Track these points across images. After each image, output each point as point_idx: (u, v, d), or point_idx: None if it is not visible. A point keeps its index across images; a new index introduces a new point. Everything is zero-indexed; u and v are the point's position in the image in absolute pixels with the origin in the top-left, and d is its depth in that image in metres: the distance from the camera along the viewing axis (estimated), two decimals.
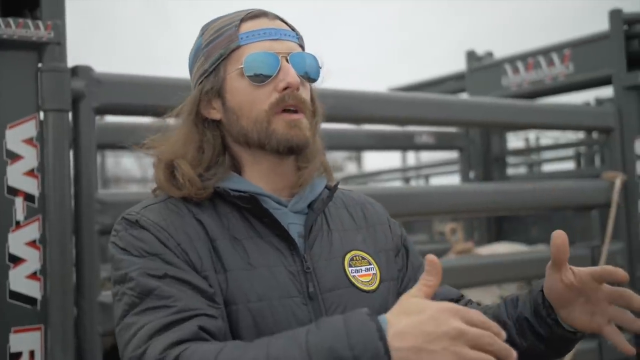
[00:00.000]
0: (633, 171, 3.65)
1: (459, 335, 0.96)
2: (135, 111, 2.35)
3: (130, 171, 13.15)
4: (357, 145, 4.64)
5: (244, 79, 1.31)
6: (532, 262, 3.34)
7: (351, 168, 9.43)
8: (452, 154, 5.95)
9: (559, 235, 1.17)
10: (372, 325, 1.00)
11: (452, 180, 7.39)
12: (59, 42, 2.10)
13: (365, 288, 1.32)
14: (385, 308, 1.33)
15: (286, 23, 1.38)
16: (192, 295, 1.17)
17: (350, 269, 1.34)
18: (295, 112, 1.31)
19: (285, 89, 1.29)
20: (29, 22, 2.06)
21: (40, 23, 2.07)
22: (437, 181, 7.99)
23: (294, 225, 1.33)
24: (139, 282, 1.18)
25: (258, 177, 1.35)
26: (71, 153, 2.16)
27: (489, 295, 3.42)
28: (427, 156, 8.07)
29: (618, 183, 3.54)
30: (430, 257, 1.02)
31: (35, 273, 2.07)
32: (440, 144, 4.74)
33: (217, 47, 1.34)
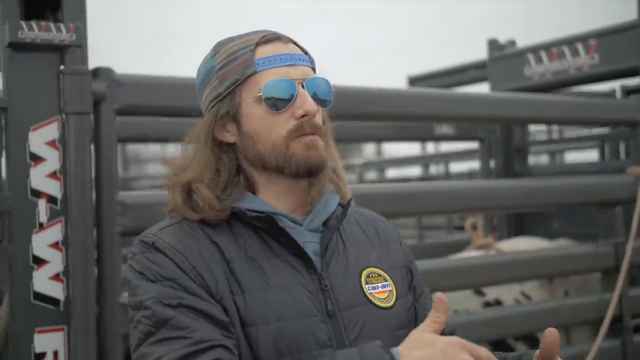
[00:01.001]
0: None
1: None
2: (157, 112, 2.36)
3: (152, 150, 13.23)
4: (376, 137, 4.61)
5: (260, 105, 1.32)
6: (553, 260, 3.32)
7: (370, 153, 9.41)
8: (473, 144, 5.90)
9: (551, 334, 1.17)
10: (386, 357, 1.06)
11: (472, 165, 7.34)
12: (81, 45, 2.10)
13: (383, 305, 1.34)
14: (401, 325, 1.36)
15: (298, 46, 1.39)
16: (207, 326, 1.18)
17: (367, 286, 1.35)
18: (312, 133, 1.32)
19: (303, 116, 1.30)
20: (51, 25, 2.06)
21: (62, 26, 2.08)
22: (457, 167, 7.94)
23: (310, 244, 1.34)
24: (154, 311, 1.19)
25: (273, 196, 1.36)
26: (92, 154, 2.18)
27: (509, 292, 3.40)
28: (447, 144, 8.01)
29: None
30: (439, 295, 1.10)
31: (58, 274, 2.09)
32: (461, 134, 4.70)
33: (232, 71, 1.34)
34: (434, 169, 8.11)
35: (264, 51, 1.33)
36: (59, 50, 2.10)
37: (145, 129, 3.30)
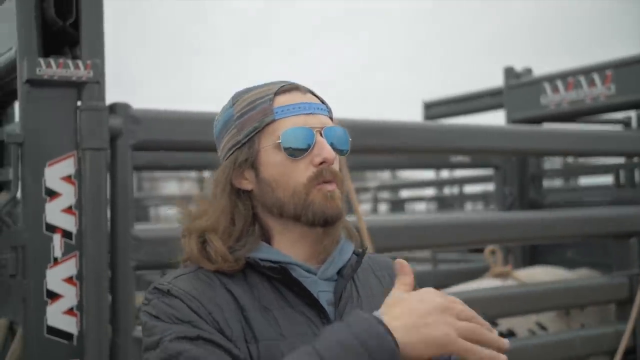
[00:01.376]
0: None
1: (446, 309, 1.09)
2: (173, 147, 2.38)
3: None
4: (392, 165, 4.61)
5: (279, 153, 1.32)
6: (567, 291, 3.30)
7: (385, 176, 9.41)
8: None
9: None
10: (368, 316, 1.11)
11: (486, 188, 7.31)
12: (98, 81, 2.12)
13: None
14: None
15: (316, 96, 1.40)
16: (222, 356, 1.19)
17: None
18: (330, 181, 1.33)
19: (321, 163, 1.31)
20: (69, 62, 2.09)
21: (80, 63, 2.10)
22: (470, 189, 7.91)
23: (324, 293, 1.34)
24: (168, 346, 1.20)
25: (287, 245, 1.36)
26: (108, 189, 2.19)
27: (524, 322, 3.37)
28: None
29: None
30: (399, 260, 1.18)
31: (72, 309, 2.10)
32: (476, 162, 4.69)
33: (251, 119, 1.35)
34: (448, 191, 8.10)
35: (282, 100, 1.35)
36: (76, 86, 2.12)
37: (161, 157, 3.32)
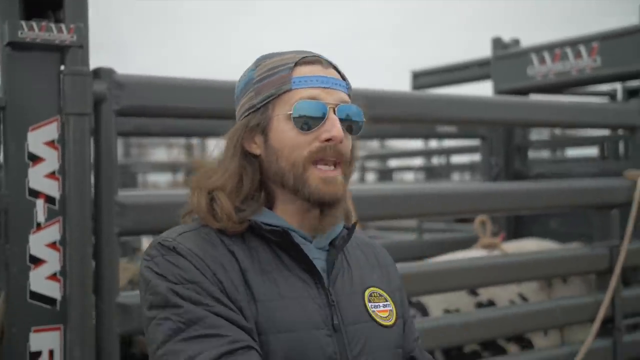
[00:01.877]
0: None
1: None
2: (158, 113, 2.36)
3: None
4: (380, 134, 4.62)
5: (290, 122, 1.34)
6: (548, 262, 3.33)
7: (373, 145, 9.41)
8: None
9: None
10: None
11: (474, 158, 7.34)
12: (82, 45, 2.10)
13: (384, 323, 1.40)
14: (399, 344, 1.42)
15: (338, 71, 1.41)
16: (237, 330, 1.22)
17: (369, 304, 1.41)
18: (333, 166, 1.34)
19: (327, 140, 1.32)
20: (52, 25, 2.06)
21: (63, 26, 2.08)
22: (458, 160, 7.95)
23: (318, 261, 1.38)
24: (187, 309, 1.22)
25: (288, 214, 1.39)
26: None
27: (505, 293, 3.41)
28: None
29: None
30: None
31: (55, 274, 2.11)
32: (463, 132, 4.70)
33: (269, 85, 1.36)
34: (435, 161, 8.12)
35: (302, 71, 1.36)
36: (59, 50, 2.10)
37: (147, 123, 3.31)
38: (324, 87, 1.35)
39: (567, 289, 3.59)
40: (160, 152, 12.67)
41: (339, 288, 1.37)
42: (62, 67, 2.12)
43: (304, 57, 1.37)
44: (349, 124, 1.36)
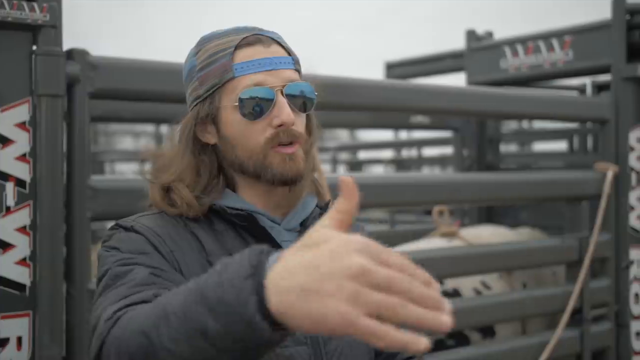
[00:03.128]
0: (625, 163, 3.65)
1: (359, 274, 0.77)
2: (132, 96, 2.32)
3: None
4: (351, 124, 4.61)
5: (238, 113, 1.31)
6: (520, 252, 3.37)
7: (344, 136, 9.40)
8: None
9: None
10: (246, 261, 0.86)
11: (445, 151, 7.38)
12: (55, 25, 2.05)
13: None
14: None
15: (282, 45, 1.36)
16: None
17: None
18: (291, 143, 1.32)
19: (279, 125, 1.30)
20: (24, 3, 2.01)
21: (35, 5, 2.02)
22: (429, 152, 7.98)
23: (287, 243, 1.35)
24: (114, 270, 1.19)
25: (252, 196, 1.38)
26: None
27: (468, 281, 3.44)
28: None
29: (610, 175, 3.55)
30: (344, 177, 0.86)
31: (24, 259, 2.06)
32: (435, 124, 4.72)
33: (211, 75, 1.33)
34: (406, 153, 8.15)
35: (243, 55, 1.32)
36: (31, 29, 2.05)
37: (118, 109, 3.25)
38: (268, 70, 1.31)
39: (525, 274, 3.64)
40: (127, 141, 12.51)
41: None
42: (34, 47, 2.07)
43: (243, 38, 1.32)
44: (301, 101, 1.34)
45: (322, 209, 1.43)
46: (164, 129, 8.54)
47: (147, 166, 1.43)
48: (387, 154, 8.46)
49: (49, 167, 2.05)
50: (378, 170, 9.42)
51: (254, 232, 1.32)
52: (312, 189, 1.47)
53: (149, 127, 9.75)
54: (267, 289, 0.82)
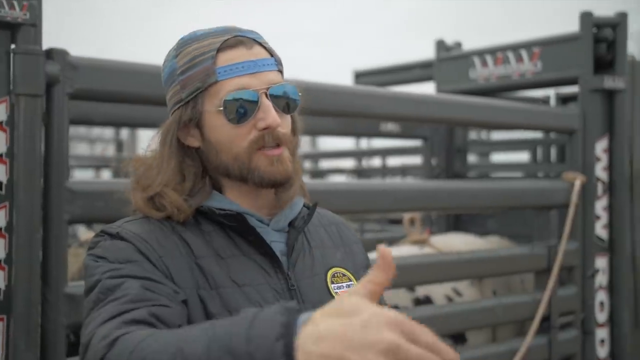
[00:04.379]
0: (592, 173, 3.73)
1: (390, 350, 0.77)
2: (112, 98, 2.28)
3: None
4: (319, 131, 4.60)
5: (222, 117, 1.31)
6: (490, 260, 3.41)
7: (305, 146, 9.34)
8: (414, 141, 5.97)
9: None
10: (278, 320, 0.86)
11: (412, 160, 7.40)
12: (34, 24, 2.01)
13: None
14: None
15: (264, 47, 1.35)
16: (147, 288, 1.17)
17: (332, 285, 1.38)
18: (277, 146, 1.32)
19: (264, 128, 1.30)
20: (4, 1, 1.96)
21: (15, 3, 1.98)
22: (395, 161, 7.99)
23: (276, 243, 1.35)
24: (105, 282, 1.17)
25: (240, 197, 1.37)
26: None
27: (440, 288, 3.47)
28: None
29: (578, 184, 3.62)
30: (384, 249, 0.85)
31: (0, 262, 2.01)
32: (405, 132, 4.75)
33: (193, 78, 1.31)
34: (367, 163, 8.13)
35: (226, 58, 1.30)
36: (10, 28, 2.00)
37: (89, 111, 3.19)
38: (252, 73, 1.30)
39: (495, 281, 3.69)
40: (82, 146, 12.29)
41: (300, 271, 1.35)
42: (13, 46, 2.02)
43: (225, 41, 1.31)
44: (285, 102, 1.33)
45: (310, 209, 1.43)
46: (124, 134, 8.41)
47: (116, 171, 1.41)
48: (348, 163, 8.44)
49: (26, 168, 2.01)
50: (339, 180, 9.37)
51: (243, 233, 1.31)
52: (300, 190, 1.48)
53: (107, 133, 9.60)
54: (296, 351, 0.82)
